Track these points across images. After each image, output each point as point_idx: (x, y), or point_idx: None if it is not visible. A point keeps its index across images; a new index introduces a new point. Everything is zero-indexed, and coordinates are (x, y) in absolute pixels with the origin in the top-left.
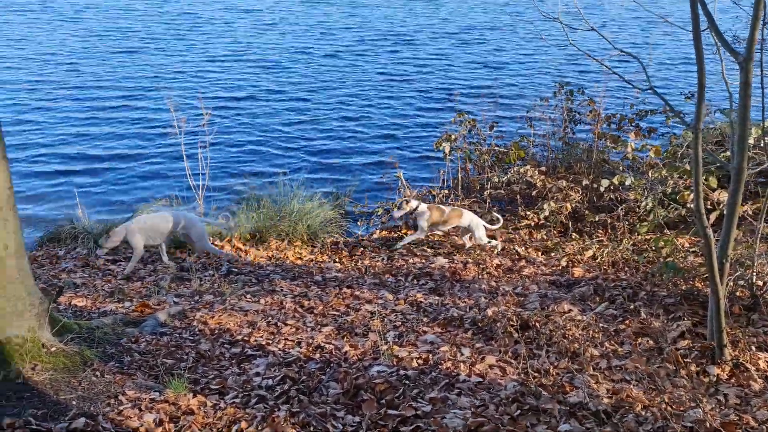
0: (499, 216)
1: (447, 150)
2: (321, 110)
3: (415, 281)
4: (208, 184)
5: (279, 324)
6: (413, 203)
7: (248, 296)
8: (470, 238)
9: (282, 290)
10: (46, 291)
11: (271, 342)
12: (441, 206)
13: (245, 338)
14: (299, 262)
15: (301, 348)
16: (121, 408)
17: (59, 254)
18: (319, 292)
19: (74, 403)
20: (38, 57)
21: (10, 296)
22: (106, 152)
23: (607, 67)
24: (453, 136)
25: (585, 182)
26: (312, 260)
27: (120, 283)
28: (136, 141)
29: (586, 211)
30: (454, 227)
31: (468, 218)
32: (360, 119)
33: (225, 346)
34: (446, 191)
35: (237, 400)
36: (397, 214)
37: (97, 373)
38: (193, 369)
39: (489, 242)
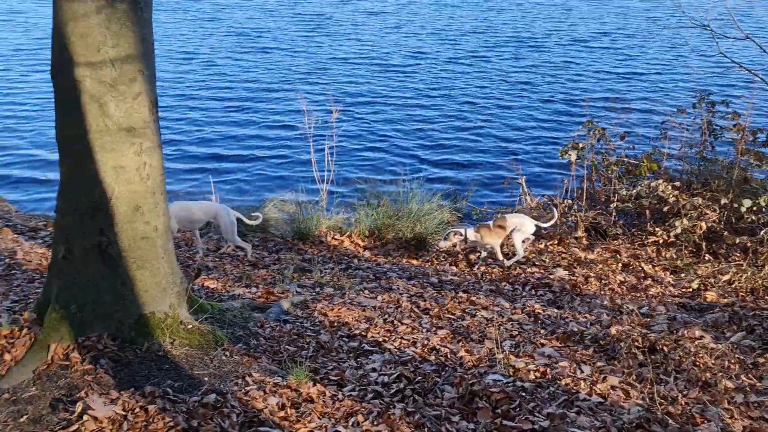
0: (554, 211)
1: (573, 158)
2: (441, 114)
3: (533, 291)
4: (332, 180)
5: (395, 322)
6: (460, 232)
7: (366, 292)
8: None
9: (398, 289)
10: (186, 271)
11: (387, 339)
12: (485, 223)
13: (362, 333)
14: (415, 262)
15: (416, 348)
16: (247, 389)
17: (193, 238)
18: (435, 294)
19: (206, 379)
20: (179, 56)
21: (157, 274)
22: (238, 148)
23: (760, 78)
24: (581, 145)
25: (723, 201)
26: (428, 261)
27: (247, 269)
28: (266, 138)
29: (724, 232)
30: (508, 232)
31: (513, 222)
32: (480, 125)
33: (343, 339)
34: (569, 201)
35: (354, 393)
36: (442, 245)
37: (227, 353)
38: (313, 358)
39: (518, 250)
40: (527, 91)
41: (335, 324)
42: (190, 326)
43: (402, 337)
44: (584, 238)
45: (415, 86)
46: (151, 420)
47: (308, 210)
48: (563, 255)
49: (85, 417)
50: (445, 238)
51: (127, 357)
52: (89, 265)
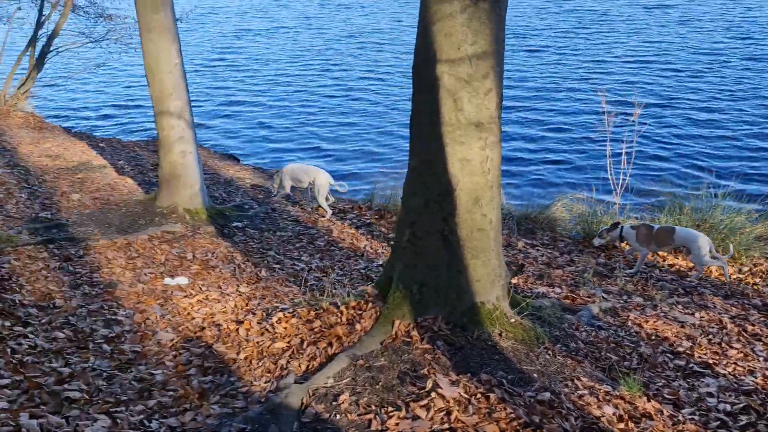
0: (731, 247)
1: None
2: (741, 120)
3: None
4: (626, 184)
5: (723, 345)
6: (615, 230)
7: (680, 307)
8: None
9: (715, 307)
10: (509, 266)
11: (717, 363)
12: (651, 224)
13: (687, 352)
14: (723, 279)
15: (755, 378)
16: (579, 392)
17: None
18: (762, 319)
19: (535, 376)
20: None
21: (488, 265)
22: (526, 145)
23: None
24: None
25: None
26: (740, 280)
27: (542, 268)
28: (553, 136)
29: None
30: (671, 246)
31: (681, 236)
32: None
33: (666, 355)
34: None
35: (695, 417)
36: (596, 242)
37: (550, 352)
38: (638, 371)
39: (705, 264)
40: None
41: (653, 337)
42: (512, 320)
43: (735, 363)
44: None
45: (706, 89)
46: (493, 408)
47: (599, 213)
48: None
49: (433, 394)
50: (599, 236)
51: (459, 342)
52: (431, 250)
